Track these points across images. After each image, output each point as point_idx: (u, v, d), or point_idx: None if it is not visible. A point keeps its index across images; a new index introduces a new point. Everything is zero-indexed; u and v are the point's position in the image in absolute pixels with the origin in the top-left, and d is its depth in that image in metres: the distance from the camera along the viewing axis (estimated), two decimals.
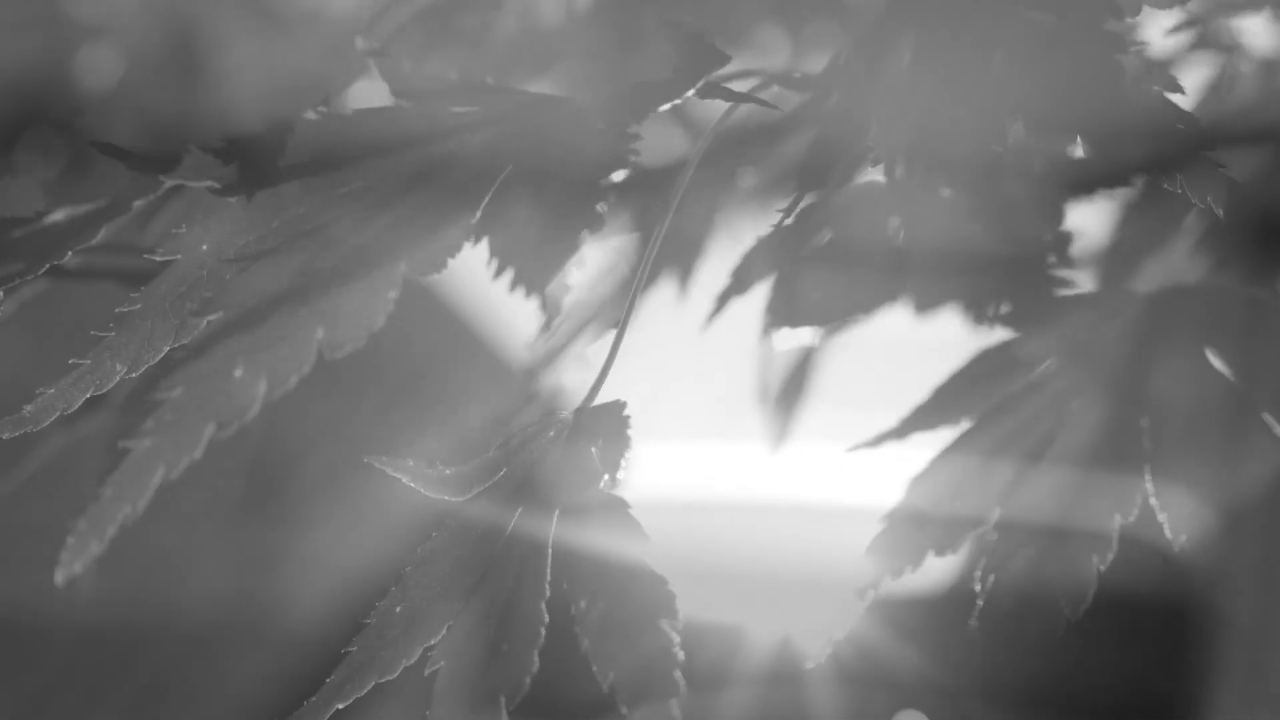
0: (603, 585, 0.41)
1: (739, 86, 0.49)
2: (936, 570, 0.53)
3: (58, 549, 0.42)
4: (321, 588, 1.69)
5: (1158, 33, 0.64)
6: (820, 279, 0.58)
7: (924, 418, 0.56)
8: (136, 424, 0.42)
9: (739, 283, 0.59)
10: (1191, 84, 0.69)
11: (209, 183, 0.45)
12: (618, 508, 0.43)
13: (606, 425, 0.45)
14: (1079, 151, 0.44)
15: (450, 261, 0.43)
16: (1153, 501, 0.50)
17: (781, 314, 0.59)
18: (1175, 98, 0.43)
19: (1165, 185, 0.43)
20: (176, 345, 0.43)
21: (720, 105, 0.50)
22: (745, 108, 0.50)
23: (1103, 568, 0.49)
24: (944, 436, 0.56)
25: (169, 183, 0.46)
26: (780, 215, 0.48)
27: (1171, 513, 0.49)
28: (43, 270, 0.46)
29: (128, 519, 0.41)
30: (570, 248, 0.41)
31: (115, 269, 0.59)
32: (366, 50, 0.49)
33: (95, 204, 0.49)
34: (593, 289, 0.72)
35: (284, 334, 0.42)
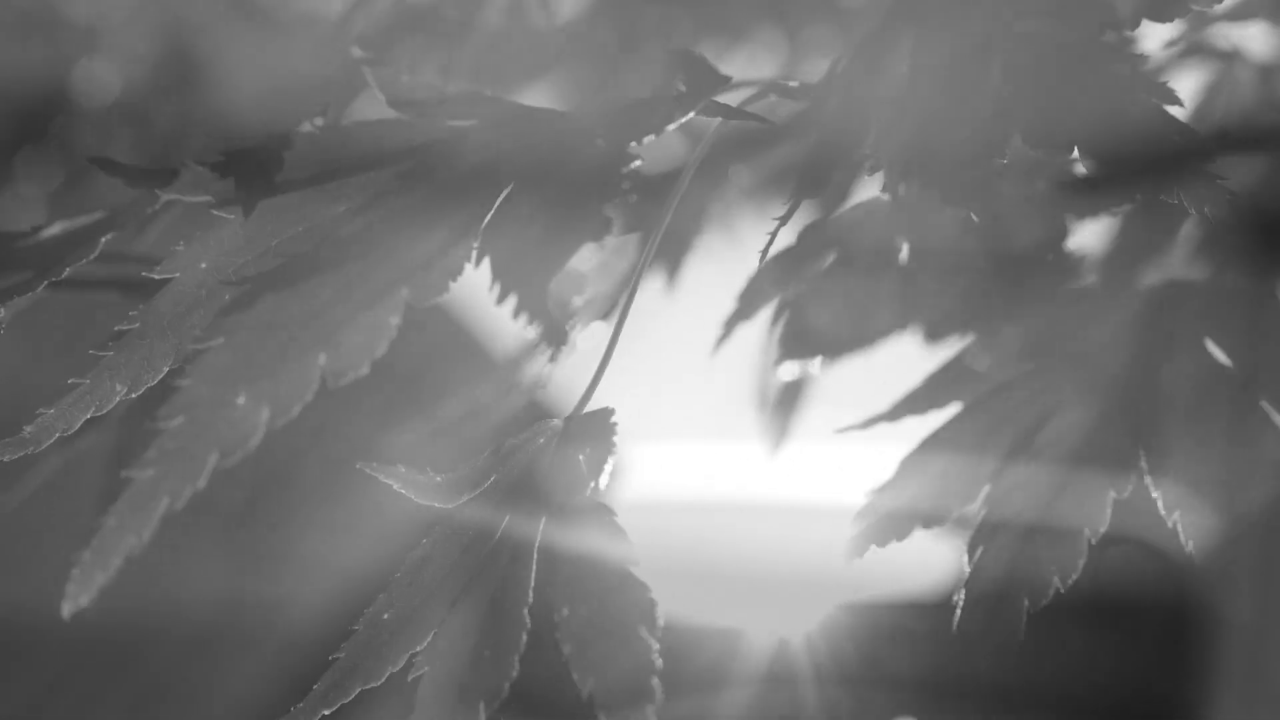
0: (584, 592, 0.42)
1: (736, 95, 0.49)
2: (936, 571, 0.53)
3: (56, 550, 0.42)
4: (320, 589, 1.69)
5: (1156, 43, 0.64)
6: (826, 310, 0.58)
7: (916, 402, 0.56)
8: (136, 444, 0.42)
9: (745, 307, 0.59)
10: (1189, 90, 0.69)
11: (206, 198, 0.45)
12: (603, 514, 0.43)
13: (594, 432, 0.45)
14: (1077, 163, 0.44)
15: (451, 285, 0.43)
16: (1159, 502, 0.50)
17: (788, 347, 0.60)
18: (1173, 110, 0.43)
19: (1164, 197, 0.43)
20: (176, 366, 0.43)
21: None
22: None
23: (1079, 564, 0.49)
24: (936, 420, 0.56)
25: (165, 197, 0.46)
26: (778, 222, 0.48)
27: (1183, 515, 0.49)
28: (40, 287, 0.46)
29: (132, 550, 0.41)
30: (575, 278, 0.41)
31: (111, 277, 0.59)
32: (362, 59, 0.49)
33: (92, 217, 0.49)
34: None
35: (286, 361, 0.42)
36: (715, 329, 0.63)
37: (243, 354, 0.43)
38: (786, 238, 0.64)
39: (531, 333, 0.41)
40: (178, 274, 0.45)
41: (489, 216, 0.44)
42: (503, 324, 0.43)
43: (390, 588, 0.45)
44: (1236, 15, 0.63)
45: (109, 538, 0.42)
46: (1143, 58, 0.45)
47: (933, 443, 0.54)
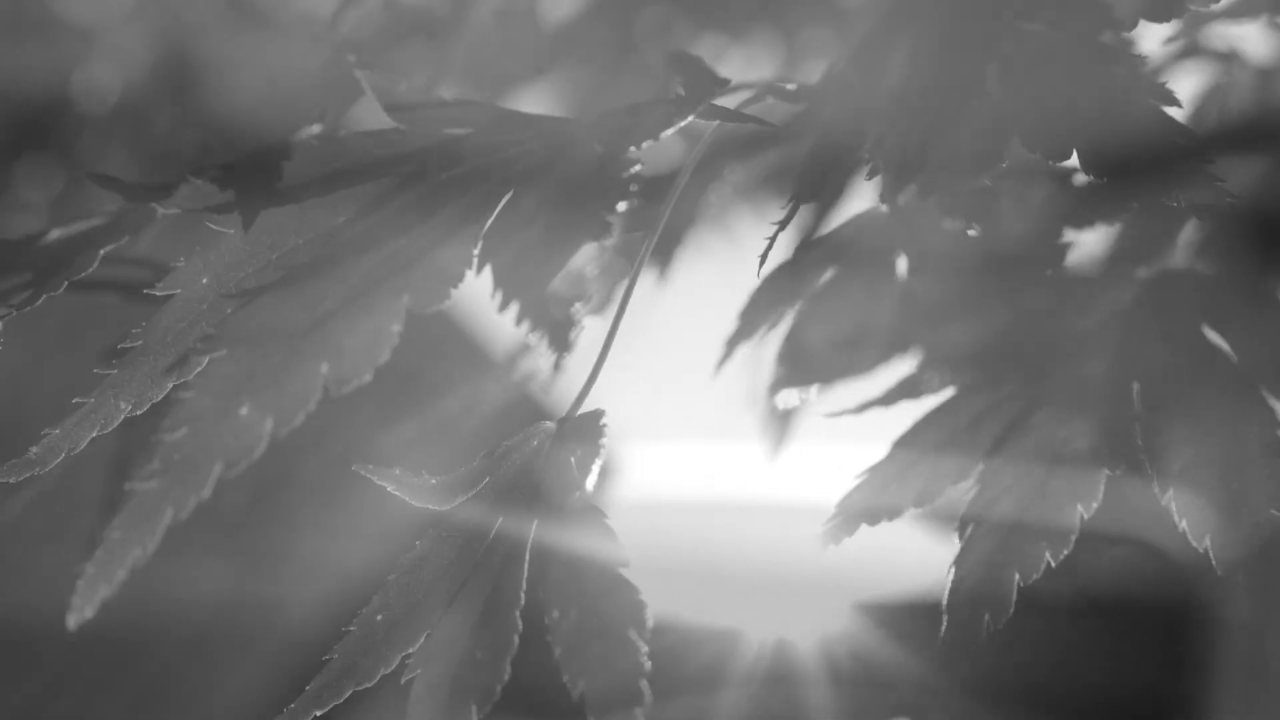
0: (575, 594, 0.42)
1: (734, 98, 0.49)
2: (936, 572, 0.54)
3: (57, 552, 0.42)
4: (319, 589, 1.69)
5: (1154, 44, 0.64)
6: (824, 333, 0.59)
7: (909, 387, 0.57)
8: (137, 449, 0.42)
9: (746, 327, 0.60)
10: (1187, 92, 0.68)
11: (205, 211, 0.45)
12: (594, 516, 0.43)
13: (585, 434, 0.45)
14: (1076, 174, 0.44)
15: (453, 292, 0.43)
16: (1168, 504, 0.50)
17: (786, 371, 0.60)
18: (1172, 111, 0.43)
19: (1163, 198, 0.43)
20: (180, 382, 0.43)
21: None
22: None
23: (1054, 561, 0.49)
24: (929, 404, 0.56)
25: (163, 212, 0.46)
26: (776, 226, 0.48)
27: (1190, 517, 0.49)
28: (39, 301, 0.46)
29: (137, 562, 0.41)
30: (576, 283, 0.41)
31: (110, 279, 0.59)
32: (357, 67, 0.49)
33: (90, 223, 0.49)
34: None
35: (289, 370, 0.42)
36: (714, 329, 0.63)
37: (245, 364, 0.43)
38: (785, 250, 0.64)
39: (534, 340, 0.41)
40: (179, 290, 0.45)
41: (489, 223, 0.44)
42: (502, 325, 0.43)
43: (384, 589, 0.45)
44: (1234, 13, 0.63)
45: (113, 550, 0.42)
46: (1141, 58, 0.45)
47: (916, 431, 0.55)
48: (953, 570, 0.50)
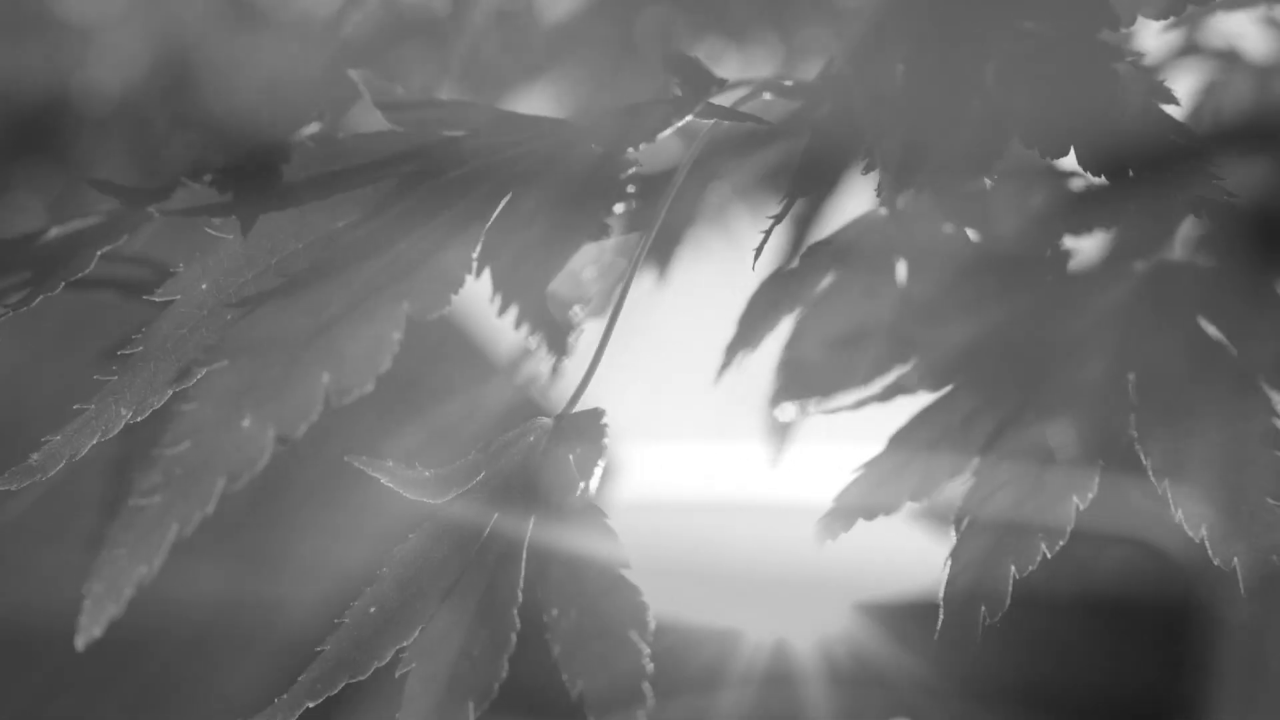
0: (575, 594, 0.42)
1: (731, 95, 0.49)
2: (934, 573, 0.53)
3: (58, 553, 0.42)
4: (320, 590, 1.69)
5: (1153, 42, 0.64)
6: (823, 342, 0.59)
7: (906, 383, 0.56)
8: (138, 451, 0.41)
9: (745, 333, 0.59)
10: (1186, 91, 0.68)
11: (203, 214, 0.45)
12: (594, 514, 0.43)
13: (585, 432, 0.45)
14: (1074, 178, 0.44)
15: (453, 298, 0.43)
16: (1164, 496, 0.49)
17: (785, 383, 0.60)
18: (1170, 109, 0.43)
19: (1161, 195, 0.43)
20: (180, 389, 0.43)
21: None
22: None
23: (1050, 554, 0.49)
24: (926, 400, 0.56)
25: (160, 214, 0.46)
26: (772, 221, 0.48)
27: (1185, 506, 0.49)
28: (36, 301, 0.46)
29: (143, 579, 0.41)
30: (577, 289, 0.41)
31: (108, 277, 0.59)
32: (354, 67, 0.49)
33: (87, 222, 0.49)
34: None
35: (290, 381, 0.42)
36: (714, 328, 0.63)
37: (246, 375, 0.43)
38: (783, 251, 0.64)
39: (533, 343, 0.41)
40: (179, 296, 0.44)
41: (488, 227, 0.44)
42: (502, 327, 0.43)
43: (377, 581, 0.45)
44: (1232, 4, 0.63)
45: (119, 567, 0.42)
46: (1139, 54, 0.44)
47: (911, 427, 0.54)
48: (948, 565, 0.50)
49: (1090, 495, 0.49)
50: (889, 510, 0.53)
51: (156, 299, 0.44)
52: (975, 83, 0.45)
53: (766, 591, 1.40)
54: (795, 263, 0.58)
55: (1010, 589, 0.48)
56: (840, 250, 0.58)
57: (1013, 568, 0.48)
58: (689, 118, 0.46)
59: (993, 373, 0.55)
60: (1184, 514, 0.48)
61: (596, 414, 0.45)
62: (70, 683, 1.66)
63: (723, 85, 0.49)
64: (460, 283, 0.43)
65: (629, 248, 0.62)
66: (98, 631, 0.41)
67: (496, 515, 0.45)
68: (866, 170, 0.45)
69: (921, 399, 0.56)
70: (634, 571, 0.42)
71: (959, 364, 0.55)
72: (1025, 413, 0.53)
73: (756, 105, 0.52)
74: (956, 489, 0.53)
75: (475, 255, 0.43)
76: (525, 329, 0.41)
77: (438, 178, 0.46)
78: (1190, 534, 0.48)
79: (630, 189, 0.43)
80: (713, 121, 0.50)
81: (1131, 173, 0.42)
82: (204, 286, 0.44)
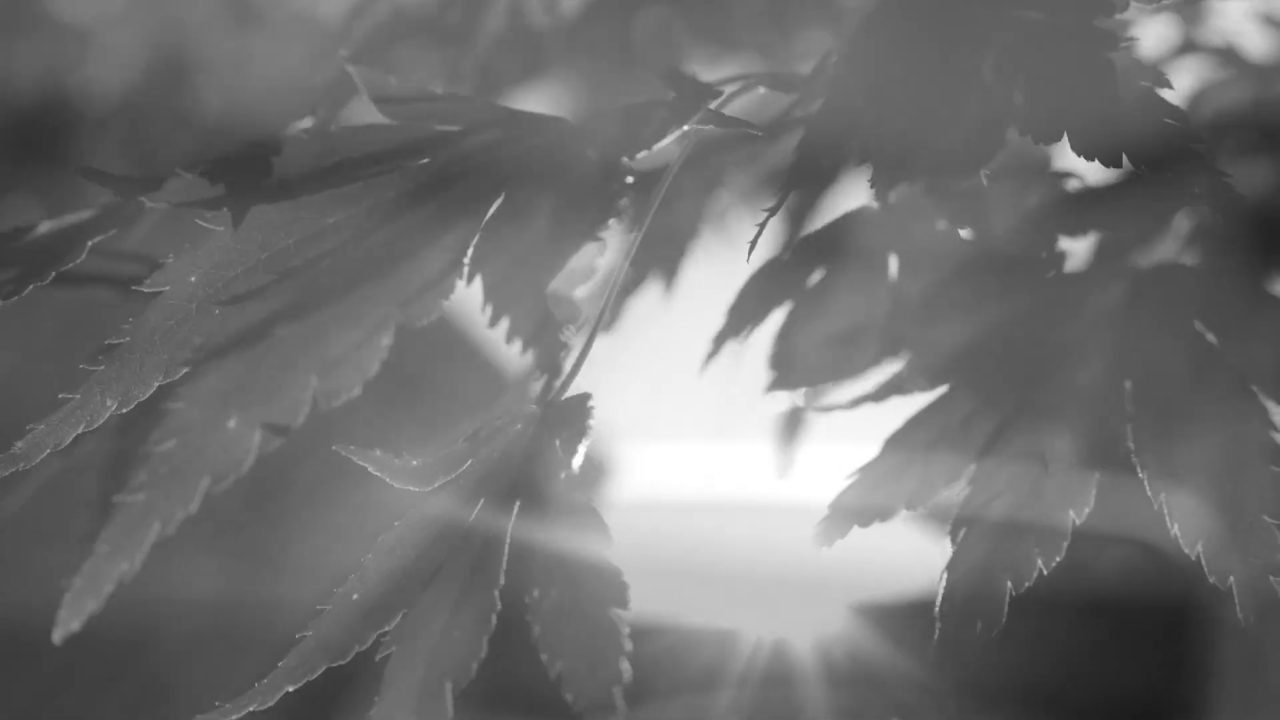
0: (557, 574, 0.41)
1: (726, 89, 0.49)
2: (932, 573, 0.53)
3: (55, 552, 0.42)
4: (320, 590, 1.69)
5: (1151, 40, 0.63)
6: (816, 336, 0.58)
7: (900, 383, 0.56)
8: (134, 452, 0.41)
9: (734, 324, 0.59)
10: (1184, 89, 0.68)
11: (195, 207, 0.44)
12: (578, 499, 0.43)
13: (571, 418, 0.45)
14: (1069, 178, 0.43)
15: (444, 304, 0.43)
16: (1161, 507, 0.49)
17: (777, 374, 0.60)
18: (1165, 93, 0.43)
19: (1156, 181, 0.42)
20: (166, 382, 0.43)
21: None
22: (733, 107, 0.50)
23: (1047, 569, 0.49)
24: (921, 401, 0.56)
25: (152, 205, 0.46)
26: (766, 214, 0.48)
27: (1181, 520, 0.48)
28: (25, 291, 0.46)
29: (124, 576, 0.41)
30: (568, 308, 0.41)
31: (102, 273, 0.59)
32: (348, 60, 0.48)
33: (80, 215, 0.49)
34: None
35: (278, 384, 0.42)
36: (713, 329, 0.63)
37: (234, 377, 0.42)
38: (778, 245, 0.64)
39: (526, 359, 0.41)
40: (167, 287, 0.44)
41: (479, 233, 0.43)
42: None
43: (360, 569, 0.45)
44: None
45: (100, 564, 0.41)
46: (1135, 41, 0.44)
47: (907, 430, 0.54)
48: (945, 577, 0.49)
49: (1087, 508, 0.49)
50: (885, 516, 0.52)
51: (145, 290, 0.44)
52: (972, 75, 0.45)
53: (765, 592, 1.40)
54: (787, 255, 0.58)
55: (1006, 605, 0.48)
56: (832, 244, 0.58)
57: (1009, 583, 0.48)
58: (685, 128, 0.46)
59: (988, 374, 0.54)
60: (1180, 529, 0.48)
61: (583, 399, 0.45)
62: (70, 683, 1.66)
63: (719, 95, 0.49)
64: (451, 289, 0.43)
65: (622, 245, 0.62)
66: (76, 626, 0.41)
67: (482, 501, 0.44)
68: (859, 163, 0.45)
69: (916, 399, 0.56)
70: (632, 572, 0.42)
71: (953, 364, 0.55)
72: (1021, 417, 0.53)
73: (752, 99, 0.52)
74: (953, 493, 0.52)
75: (466, 261, 0.43)
76: (516, 345, 0.41)
77: (429, 174, 0.46)
78: (1186, 550, 0.48)
79: (622, 202, 0.42)
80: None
81: (1127, 159, 0.42)
82: (193, 279, 0.44)
